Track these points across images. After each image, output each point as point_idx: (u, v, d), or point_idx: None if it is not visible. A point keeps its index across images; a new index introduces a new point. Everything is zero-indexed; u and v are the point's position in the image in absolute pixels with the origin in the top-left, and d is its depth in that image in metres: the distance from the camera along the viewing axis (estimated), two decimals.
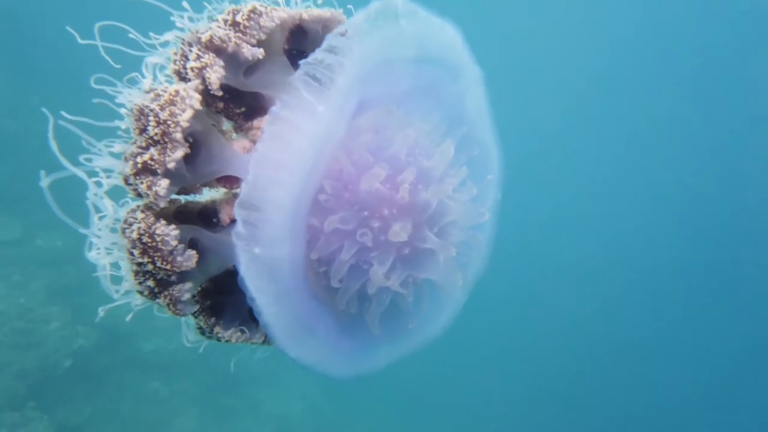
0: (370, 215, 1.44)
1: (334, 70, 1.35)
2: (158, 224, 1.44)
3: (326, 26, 1.73)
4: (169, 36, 1.59)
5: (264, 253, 1.36)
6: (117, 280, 1.61)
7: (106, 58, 1.62)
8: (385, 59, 1.49)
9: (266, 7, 1.57)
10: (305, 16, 1.68)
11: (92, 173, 1.55)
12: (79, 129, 1.49)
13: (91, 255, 1.59)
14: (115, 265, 1.61)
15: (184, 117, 1.37)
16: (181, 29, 1.58)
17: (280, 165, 1.33)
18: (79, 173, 1.50)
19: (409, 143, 1.48)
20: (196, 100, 1.39)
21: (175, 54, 1.54)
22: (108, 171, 1.55)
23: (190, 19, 1.61)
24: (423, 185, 1.47)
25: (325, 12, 1.72)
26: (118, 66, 1.64)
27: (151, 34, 1.61)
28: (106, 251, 1.61)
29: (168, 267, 1.49)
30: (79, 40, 1.64)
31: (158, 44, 1.60)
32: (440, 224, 1.52)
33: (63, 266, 9.82)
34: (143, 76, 1.59)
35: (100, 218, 1.59)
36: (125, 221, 1.50)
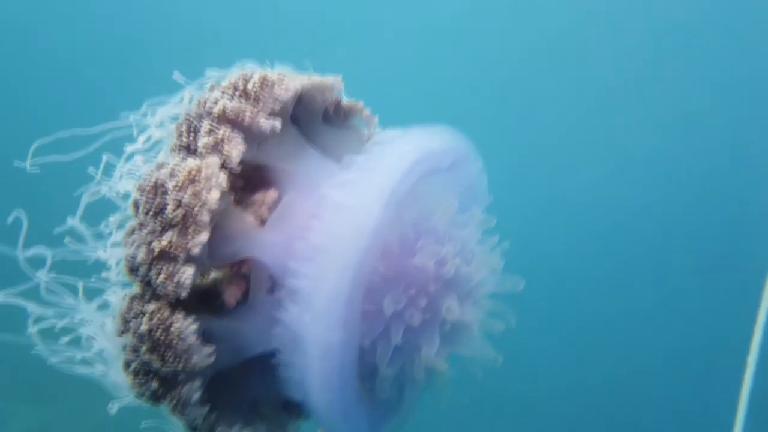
0: (417, 293, 1.35)
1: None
2: (174, 316, 1.27)
3: (323, 93, 1.67)
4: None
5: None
6: None
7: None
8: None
9: (277, 75, 1.48)
10: (308, 83, 1.60)
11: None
12: None
13: None
14: None
15: (212, 197, 1.23)
16: None
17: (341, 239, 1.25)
18: None
19: (447, 214, 1.42)
20: (224, 179, 1.26)
21: (180, 127, 1.40)
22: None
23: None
24: (460, 257, 1.42)
25: (327, 79, 1.65)
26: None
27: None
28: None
29: (180, 367, 1.32)
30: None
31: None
32: (476, 296, 1.47)
33: None
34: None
35: None
36: (129, 311, 1.31)
